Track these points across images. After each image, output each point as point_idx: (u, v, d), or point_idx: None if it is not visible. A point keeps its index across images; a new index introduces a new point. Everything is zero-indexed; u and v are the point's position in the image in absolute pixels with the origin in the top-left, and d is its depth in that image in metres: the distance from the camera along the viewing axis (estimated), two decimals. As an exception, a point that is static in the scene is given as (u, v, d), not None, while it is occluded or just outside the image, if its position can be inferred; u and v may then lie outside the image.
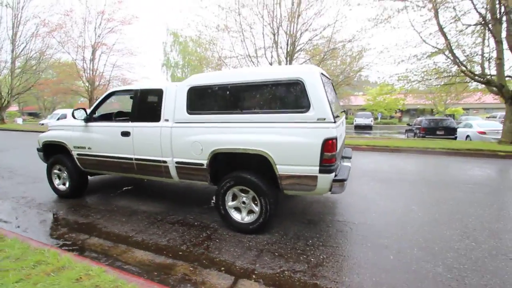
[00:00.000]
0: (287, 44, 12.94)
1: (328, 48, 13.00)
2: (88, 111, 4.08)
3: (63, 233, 3.26)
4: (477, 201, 4.23)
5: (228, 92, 3.19)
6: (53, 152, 4.53)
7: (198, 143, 3.19)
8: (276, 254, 2.74)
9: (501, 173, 6.40)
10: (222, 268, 2.52)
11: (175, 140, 3.35)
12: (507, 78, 8.78)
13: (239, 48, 13.78)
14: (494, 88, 9.10)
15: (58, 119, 25.56)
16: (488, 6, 8.46)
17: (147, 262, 2.64)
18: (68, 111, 28.61)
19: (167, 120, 3.44)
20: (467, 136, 13.15)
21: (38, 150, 4.69)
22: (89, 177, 4.60)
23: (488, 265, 2.51)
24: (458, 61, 9.29)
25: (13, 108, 41.06)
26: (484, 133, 12.16)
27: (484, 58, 9.79)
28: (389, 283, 2.27)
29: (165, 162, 3.47)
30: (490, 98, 12.68)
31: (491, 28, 8.56)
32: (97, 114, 4.18)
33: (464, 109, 30.07)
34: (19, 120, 35.27)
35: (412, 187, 5.04)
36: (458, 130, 13.49)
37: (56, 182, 4.53)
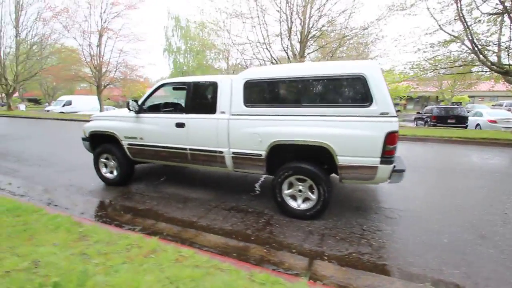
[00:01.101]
0: (301, 32, 12.82)
1: (343, 36, 12.90)
2: (139, 102, 4.21)
3: (129, 218, 3.48)
4: (507, 189, 4.47)
5: (286, 86, 3.33)
6: (100, 142, 4.70)
7: (257, 134, 3.36)
8: (338, 238, 2.98)
9: (520, 162, 6.65)
10: (294, 250, 2.76)
11: (232, 131, 3.51)
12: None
13: (252, 35, 13.65)
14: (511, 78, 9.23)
15: (63, 105, 25.63)
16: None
17: (222, 245, 2.86)
18: (73, 97, 28.58)
19: (223, 112, 3.59)
20: (477, 124, 13.35)
21: (84, 139, 4.85)
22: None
23: (536, 247, 2.76)
24: (477, 49, 9.34)
25: (14, 94, 40.75)
26: (495, 121, 12.36)
27: (501, 47, 9.82)
28: (451, 263, 2.51)
29: (221, 152, 3.65)
30: (501, 86, 12.77)
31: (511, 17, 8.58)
32: (146, 106, 4.30)
33: (469, 96, 30.13)
34: (22, 107, 35.09)
35: (441, 175, 5.27)
36: (469, 118, 13.67)
37: (104, 170, 4.72)
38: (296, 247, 2.81)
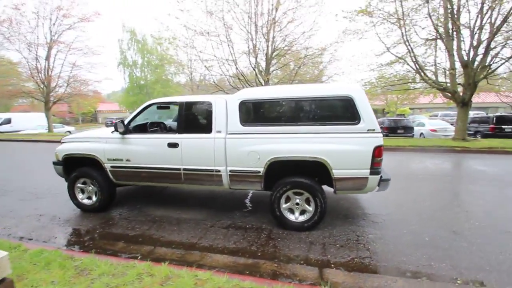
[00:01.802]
0: (266, 51, 13.44)
1: (304, 55, 13.83)
2: (125, 122, 4.05)
3: (123, 247, 3.28)
4: (462, 189, 5.23)
5: (281, 106, 3.55)
6: (76, 166, 4.36)
7: (255, 152, 3.49)
8: (337, 245, 3.21)
9: (465, 164, 7.79)
10: (302, 262, 2.90)
11: (230, 150, 3.59)
12: (458, 86, 10.55)
13: (219, 52, 13.88)
14: (449, 94, 10.84)
15: (1, 123, 22.62)
16: (443, 25, 10.07)
17: (231, 263, 2.88)
18: (13, 115, 25.41)
19: (219, 132, 3.66)
20: (421, 133, 15.18)
21: (56, 164, 4.45)
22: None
23: (496, 238, 3.30)
24: (419, 68, 10.82)
25: None
26: (435, 130, 14.21)
27: (437, 67, 11.53)
28: (437, 258, 2.89)
29: (218, 171, 3.68)
30: (439, 100, 14.83)
31: (445, 43, 10.20)
32: (131, 126, 4.15)
33: (410, 108, 34.11)
34: None
35: (408, 181, 5.93)
36: (414, 128, 15.50)
37: (80, 196, 4.36)
38: (303, 259, 2.95)
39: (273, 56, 13.65)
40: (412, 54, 10.72)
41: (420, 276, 2.62)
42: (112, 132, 4.35)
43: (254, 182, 3.63)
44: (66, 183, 4.56)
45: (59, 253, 2.89)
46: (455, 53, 10.17)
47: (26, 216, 4.23)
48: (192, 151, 3.75)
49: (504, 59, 9.86)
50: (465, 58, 10.15)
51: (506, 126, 12.89)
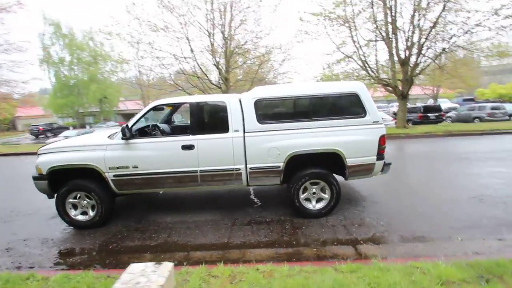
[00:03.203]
0: (225, 49, 13.43)
1: (262, 54, 14.24)
2: (129, 126, 3.74)
3: (152, 257, 3.11)
4: (432, 168, 6.25)
5: (296, 103, 3.79)
6: (64, 179, 3.87)
7: (275, 148, 3.66)
8: (356, 225, 3.62)
9: (412, 147, 9.21)
10: (335, 243, 3.21)
11: (250, 148, 3.68)
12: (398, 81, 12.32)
13: (176, 49, 13.30)
14: (390, 88, 12.55)
15: None
16: (384, 28, 11.61)
17: (274, 255, 3.02)
18: None
19: (237, 131, 3.71)
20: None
21: (37, 178, 3.86)
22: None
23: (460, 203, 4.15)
24: (368, 67, 12.26)
25: None
26: (377, 121, 16.12)
27: (378, 66, 13.19)
28: (434, 224, 3.52)
29: (238, 169, 3.73)
30: (378, 93, 16.94)
31: (387, 44, 11.77)
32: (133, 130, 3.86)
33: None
34: None
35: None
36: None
37: (73, 212, 3.89)
38: (334, 240, 3.26)
39: (231, 55, 13.70)
40: (360, 53, 12.07)
41: (430, 239, 3.18)
42: (109, 137, 3.99)
43: (273, 177, 3.79)
44: (50, 199, 4.04)
45: (90, 274, 2.62)
46: (394, 53, 11.83)
47: (6, 243, 3.59)
48: (209, 152, 3.71)
49: (431, 58, 11.88)
50: (402, 57, 11.89)
51: (431, 114, 15.58)
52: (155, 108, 3.92)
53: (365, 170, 3.80)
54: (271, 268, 2.56)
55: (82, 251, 3.32)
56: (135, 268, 1.51)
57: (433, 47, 11.73)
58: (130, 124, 3.76)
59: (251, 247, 3.22)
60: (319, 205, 3.87)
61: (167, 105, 3.94)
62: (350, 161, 3.71)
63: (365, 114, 3.73)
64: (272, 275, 2.45)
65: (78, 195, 3.87)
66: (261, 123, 3.71)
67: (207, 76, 13.47)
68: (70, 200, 3.86)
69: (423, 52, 11.54)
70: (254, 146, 3.69)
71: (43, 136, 28.17)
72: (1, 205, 5.14)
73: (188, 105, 3.86)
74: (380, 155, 3.76)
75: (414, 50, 11.59)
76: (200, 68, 13.23)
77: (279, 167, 3.72)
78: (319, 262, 2.77)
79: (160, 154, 3.73)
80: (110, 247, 3.40)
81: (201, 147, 3.70)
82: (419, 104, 18.61)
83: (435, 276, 2.33)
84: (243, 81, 15.40)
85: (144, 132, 4.21)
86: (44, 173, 3.78)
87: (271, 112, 3.82)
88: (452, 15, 11.36)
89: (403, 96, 12.15)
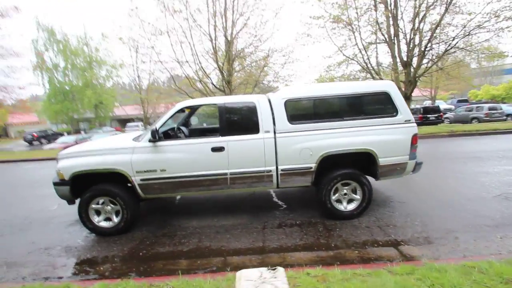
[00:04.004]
0: (228, 51, 13.40)
1: (263, 57, 14.24)
2: (156, 128, 3.62)
3: (189, 263, 2.98)
4: (445, 168, 6.25)
5: (326, 103, 3.74)
6: (88, 184, 3.73)
7: (308, 149, 3.59)
8: (391, 226, 3.55)
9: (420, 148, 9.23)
10: (375, 244, 3.13)
11: (281, 149, 3.60)
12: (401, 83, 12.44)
13: (179, 54, 13.20)
14: (393, 90, 12.63)
15: None
16: (386, 31, 11.76)
17: (316, 258, 2.93)
18: None
19: (268, 132, 3.62)
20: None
21: (59, 184, 3.70)
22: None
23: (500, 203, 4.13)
24: (372, 69, 12.36)
25: None
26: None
27: (380, 68, 13.31)
28: (461, 222, 3.49)
29: (269, 171, 3.64)
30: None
31: (389, 46, 11.91)
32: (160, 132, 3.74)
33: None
34: None
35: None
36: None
37: (96, 219, 3.74)
38: (374, 242, 3.19)
39: (235, 57, 13.67)
40: (364, 54, 12.18)
41: (469, 238, 3.13)
42: (134, 140, 3.87)
43: (305, 178, 3.71)
44: (70, 205, 3.89)
45: (131, 283, 2.48)
46: (396, 55, 11.96)
47: (26, 253, 3.42)
48: (240, 154, 3.61)
49: (432, 60, 12.05)
50: (405, 59, 12.02)
51: (430, 115, 15.78)
52: (182, 110, 3.82)
53: (398, 169, 3.75)
54: (322, 272, 2.46)
55: (111, 259, 3.17)
56: (250, 274, 1.40)
57: (434, 49, 11.90)
58: (157, 126, 3.64)
59: (289, 250, 3.12)
60: (351, 206, 3.80)
61: (194, 106, 3.83)
62: (382, 160, 3.66)
63: (397, 113, 3.69)
64: (326, 279, 2.35)
65: (102, 201, 3.73)
66: (292, 124, 3.64)
67: (210, 80, 13.38)
68: (93, 206, 3.71)
69: (425, 54, 11.68)
70: (285, 147, 3.61)
71: (37, 143, 27.54)
72: (11, 212, 4.93)
73: (215, 106, 3.77)
74: (412, 154, 3.72)
75: (416, 52, 11.74)
76: (204, 71, 13.14)
77: (311, 168, 3.65)
78: (368, 265, 2.68)
79: (189, 157, 3.61)
80: (140, 254, 3.25)
81: (231, 148, 3.60)
82: (418, 106, 18.82)
83: (494, 275, 2.28)
84: (244, 84, 15.35)
85: (167, 135, 4.10)
86: (67, 178, 3.63)
87: (301, 112, 3.76)
88: (450, 18, 11.59)
89: (406, 97, 12.24)
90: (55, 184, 3.74)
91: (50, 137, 29.51)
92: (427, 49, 11.61)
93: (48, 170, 9.71)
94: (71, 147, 4.14)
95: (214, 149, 3.59)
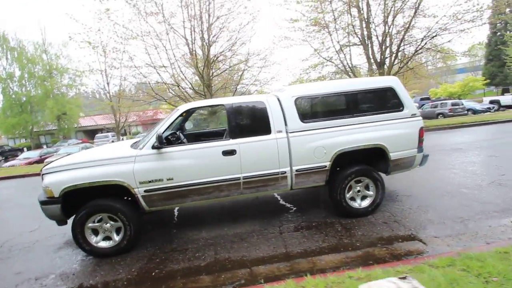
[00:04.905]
0: (206, 53, 13.11)
1: (243, 61, 14.16)
2: (159, 133, 3.30)
3: (212, 279, 2.72)
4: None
5: (334, 100, 3.70)
6: (80, 200, 3.31)
7: (322, 147, 3.50)
8: (408, 220, 3.56)
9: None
10: (400, 240, 3.11)
11: (295, 148, 3.47)
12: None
13: (154, 58, 12.65)
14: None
15: None
16: (360, 34, 12.28)
17: (345, 259, 2.82)
18: None
19: (280, 131, 3.48)
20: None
21: (46, 203, 3.23)
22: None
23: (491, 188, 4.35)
24: (350, 69, 12.80)
25: None
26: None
27: (355, 68, 13.83)
28: (468, 213, 3.61)
29: (283, 172, 3.49)
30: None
31: (364, 47, 12.43)
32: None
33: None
34: None
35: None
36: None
37: (94, 239, 3.32)
38: (398, 237, 3.16)
39: (213, 61, 13.41)
40: (341, 56, 12.58)
41: (485, 225, 3.23)
42: (132, 147, 3.53)
43: (319, 177, 3.62)
44: (60, 225, 3.45)
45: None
46: (371, 56, 12.52)
47: (15, 286, 2.92)
48: (252, 156, 3.42)
49: (402, 61, 12.77)
50: (378, 60, 12.61)
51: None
52: (186, 113, 3.55)
53: (407, 163, 3.79)
54: (365, 273, 2.35)
55: (121, 284, 2.80)
56: (381, 286, 1.22)
57: (404, 50, 12.63)
58: (161, 130, 3.33)
59: (316, 254, 2.98)
60: (365, 203, 3.76)
61: (199, 108, 3.58)
62: (393, 155, 3.68)
63: (403, 108, 3.75)
64: (373, 278, 2.24)
65: (99, 218, 3.32)
66: (304, 122, 3.53)
67: (191, 84, 12.98)
68: (90, 224, 3.29)
69: (397, 55, 12.35)
70: (299, 146, 3.49)
71: (-8, 160, 24.82)
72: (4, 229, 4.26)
73: (222, 107, 3.56)
74: (420, 148, 3.78)
75: (388, 53, 12.39)
76: (184, 76, 12.72)
77: (325, 166, 3.56)
78: (405, 260, 2.62)
79: (198, 163, 3.35)
80: (153, 273, 2.92)
81: (243, 151, 3.40)
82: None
83: (530, 259, 2.32)
84: (223, 89, 15.11)
85: (167, 141, 3.78)
86: (57, 195, 3.18)
87: (312, 110, 3.68)
88: (415, 21, 12.40)
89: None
90: (42, 203, 3.27)
91: (7, 153, 26.79)
92: (399, 50, 12.26)
93: (14, 189, 8.71)
94: (56, 160, 3.67)
95: (225, 153, 3.37)
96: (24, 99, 31.43)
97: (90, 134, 36.16)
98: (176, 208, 4.81)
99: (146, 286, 2.71)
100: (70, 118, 32.66)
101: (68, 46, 29.60)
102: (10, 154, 26.29)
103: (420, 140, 3.77)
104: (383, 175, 3.85)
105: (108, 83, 18.79)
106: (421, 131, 3.76)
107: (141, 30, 11.74)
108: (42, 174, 3.39)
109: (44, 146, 30.20)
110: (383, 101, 3.79)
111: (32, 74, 31.57)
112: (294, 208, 4.33)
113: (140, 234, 3.49)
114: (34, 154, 17.70)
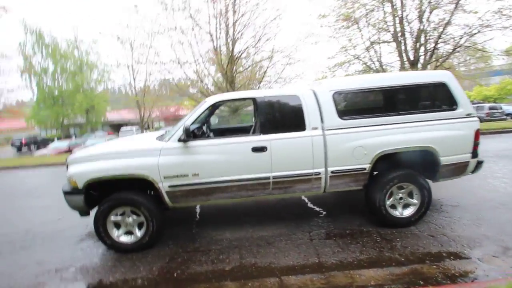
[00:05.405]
0: (231, 49, 12.96)
1: (268, 57, 13.88)
2: (179, 127, 3.11)
3: (238, 286, 2.48)
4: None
5: (380, 96, 3.32)
6: (104, 192, 3.19)
7: (361, 147, 3.15)
8: (458, 234, 3.13)
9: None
10: (451, 257, 2.70)
11: (331, 148, 3.15)
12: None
13: (180, 54, 12.70)
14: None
15: None
16: (393, 29, 11.59)
17: (389, 276, 2.47)
18: None
19: (315, 128, 3.17)
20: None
21: (70, 193, 3.15)
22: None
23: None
24: (380, 67, 12.15)
25: None
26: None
27: (385, 67, 13.10)
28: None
29: (317, 173, 3.18)
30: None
31: (397, 44, 11.72)
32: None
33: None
34: None
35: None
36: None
37: (116, 233, 3.19)
38: (450, 254, 2.75)
39: (238, 57, 13.24)
40: (373, 55, 11.97)
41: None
42: (157, 139, 3.37)
43: (356, 181, 3.27)
44: (83, 216, 3.35)
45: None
46: (403, 53, 11.78)
47: (34, 277, 2.83)
48: (284, 154, 3.14)
49: (437, 59, 11.91)
50: (412, 58, 11.84)
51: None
52: (214, 106, 3.33)
53: (459, 169, 3.35)
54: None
55: (141, 283, 2.63)
56: None
57: (440, 48, 11.77)
58: (188, 123, 3.13)
59: (354, 267, 2.65)
60: (407, 212, 3.36)
61: (229, 101, 3.36)
62: (444, 159, 3.25)
63: (457, 106, 3.30)
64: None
65: (121, 211, 3.19)
66: (343, 119, 3.19)
67: (214, 81, 12.91)
68: (112, 218, 3.16)
69: (433, 53, 11.54)
70: (336, 145, 3.16)
71: (26, 149, 26.32)
72: (9, 226, 4.30)
73: (253, 100, 3.30)
74: (474, 152, 3.32)
75: (422, 51, 11.60)
76: (208, 72, 12.67)
77: (365, 169, 3.20)
78: (462, 284, 2.24)
79: (226, 159, 3.12)
80: (175, 274, 2.72)
81: (274, 148, 3.12)
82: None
83: None
84: (246, 86, 14.91)
85: (194, 135, 3.59)
86: (80, 186, 3.07)
87: (352, 106, 3.34)
88: (455, 17, 11.49)
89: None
90: (66, 193, 3.18)
91: (40, 143, 28.30)
92: (435, 48, 11.44)
93: (43, 178, 9.00)
94: (81, 150, 3.60)
95: (255, 149, 3.11)
96: (56, 92, 33.02)
97: (116, 127, 37.42)
98: (198, 205, 4.63)
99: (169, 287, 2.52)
100: (97, 111, 34.01)
101: (98, 43, 30.65)
102: (42, 143, 27.74)
103: (476, 144, 3.30)
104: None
105: (134, 78, 19.19)
106: (477, 134, 3.29)
107: (167, 25, 11.80)
108: (67, 164, 3.31)
109: (73, 137, 31.62)
110: (434, 98, 3.37)
111: (64, 69, 33.04)
112: (324, 213, 4.00)
113: (162, 230, 3.32)
114: (63, 145, 18.48)
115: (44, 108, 31.91)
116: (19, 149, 26.50)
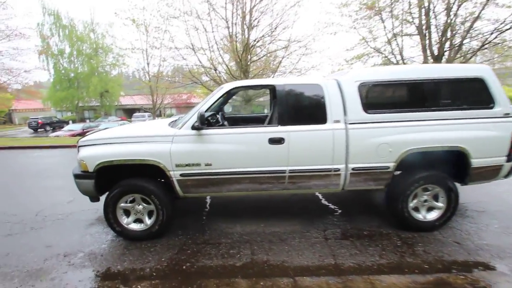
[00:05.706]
0: (247, 36, 12.65)
1: (284, 47, 13.50)
2: (192, 114, 2.96)
3: (250, 284, 2.36)
4: None
5: (410, 89, 3.07)
6: (115, 178, 3.11)
7: (386, 144, 2.92)
8: (485, 241, 2.90)
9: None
10: (480, 267, 2.50)
11: (354, 143, 2.94)
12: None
13: (194, 40, 12.48)
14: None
15: None
16: (418, 21, 11.00)
17: (413, 285, 2.30)
18: None
19: (337, 121, 2.96)
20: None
21: (80, 176, 3.07)
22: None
23: None
24: (401, 60, 11.63)
25: None
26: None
27: (406, 62, 12.53)
28: None
29: (336, 170, 2.99)
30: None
31: (421, 38, 11.14)
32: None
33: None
34: None
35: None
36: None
37: (125, 220, 3.12)
38: (478, 263, 2.55)
39: (253, 46, 12.93)
40: (395, 48, 11.45)
41: None
42: (170, 125, 3.24)
43: (379, 180, 3.06)
44: (93, 202, 3.28)
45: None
46: (427, 47, 11.20)
47: (43, 260, 2.80)
48: (302, 147, 2.96)
49: (463, 55, 11.27)
50: (436, 53, 11.25)
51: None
52: (229, 93, 3.16)
53: (491, 172, 3.09)
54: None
55: (149, 273, 2.54)
56: None
57: (466, 43, 11.12)
58: (203, 109, 2.97)
59: (373, 272, 2.48)
60: (431, 216, 3.14)
61: (246, 87, 3.18)
62: (476, 161, 2.99)
63: (494, 105, 3.01)
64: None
65: (131, 199, 3.10)
66: (368, 113, 2.97)
67: (228, 69, 12.68)
68: (122, 204, 3.08)
69: (461, 47, 10.92)
70: (359, 141, 2.95)
71: (42, 130, 26.99)
72: (20, 206, 4.31)
73: (270, 89, 3.12)
74: (510, 156, 3.05)
75: (448, 46, 10.98)
76: (223, 59, 12.44)
77: (388, 167, 2.99)
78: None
79: (240, 149, 2.96)
80: (184, 267, 2.63)
81: (293, 140, 2.94)
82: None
83: None
84: (260, 75, 14.62)
85: (208, 123, 3.44)
86: (91, 170, 2.99)
87: (379, 99, 3.10)
88: (486, 11, 10.77)
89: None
90: (76, 176, 3.11)
91: (55, 124, 28.95)
92: (463, 43, 10.81)
93: (56, 159, 9.12)
94: (94, 133, 3.51)
95: (272, 141, 2.93)
96: (72, 75, 33.49)
97: (129, 112, 37.87)
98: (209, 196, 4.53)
99: (176, 282, 2.42)
100: (111, 95, 34.37)
101: (114, 26, 30.64)
102: (57, 125, 28.34)
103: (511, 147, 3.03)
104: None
105: (148, 63, 19.16)
106: (515, 136, 3.01)
107: (183, 9, 11.56)
108: (78, 146, 3.23)
109: (87, 121, 32.17)
110: (469, 95, 3.08)
111: (80, 52, 33.34)
112: (340, 211, 3.82)
113: (172, 220, 3.23)
114: (78, 127, 18.78)
115: (60, 90, 32.48)
116: (35, 129, 27.18)
